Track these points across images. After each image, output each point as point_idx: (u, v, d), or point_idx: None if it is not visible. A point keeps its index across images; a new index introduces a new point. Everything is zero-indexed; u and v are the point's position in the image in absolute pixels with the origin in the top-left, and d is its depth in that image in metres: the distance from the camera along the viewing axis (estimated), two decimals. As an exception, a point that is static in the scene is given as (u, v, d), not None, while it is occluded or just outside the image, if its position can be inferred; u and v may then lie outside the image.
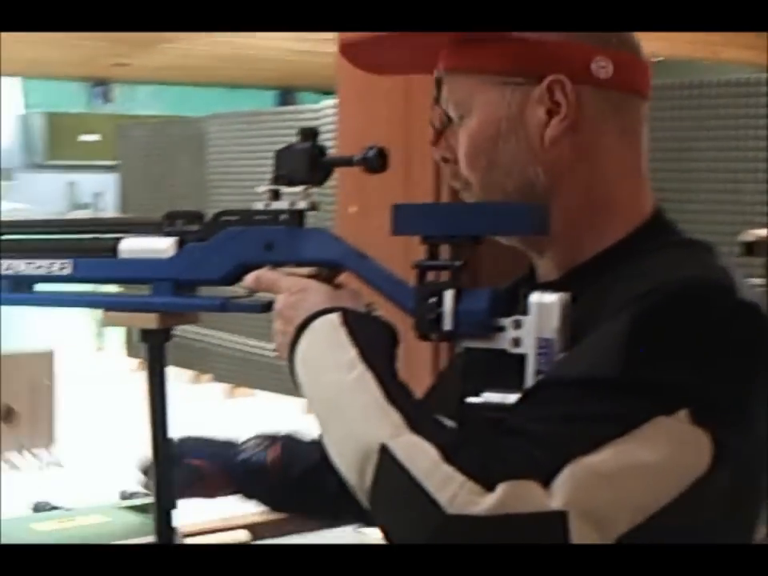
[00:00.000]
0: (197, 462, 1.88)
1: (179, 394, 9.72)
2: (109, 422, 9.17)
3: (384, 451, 1.31)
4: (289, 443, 1.90)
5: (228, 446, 1.92)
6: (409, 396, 1.40)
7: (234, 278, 1.66)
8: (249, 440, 1.90)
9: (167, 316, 1.74)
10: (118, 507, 2.21)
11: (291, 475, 1.86)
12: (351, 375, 1.39)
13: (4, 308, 1.90)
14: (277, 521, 2.34)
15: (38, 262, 1.81)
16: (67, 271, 1.79)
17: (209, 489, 1.90)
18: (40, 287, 1.82)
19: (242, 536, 2.36)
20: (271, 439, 1.91)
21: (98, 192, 13.05)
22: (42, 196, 12.70)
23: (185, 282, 1.71)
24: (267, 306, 1.62)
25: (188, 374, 10.96)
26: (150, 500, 1.88)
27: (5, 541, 1.87)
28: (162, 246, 1.71)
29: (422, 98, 2.19)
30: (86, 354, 12.90)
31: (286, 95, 12.89)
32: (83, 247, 1.81)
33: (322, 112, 8.79)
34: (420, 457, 1.28)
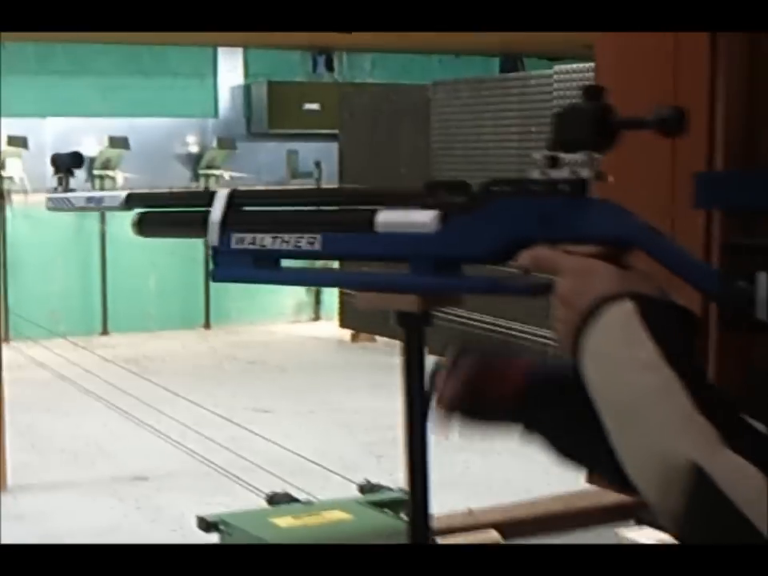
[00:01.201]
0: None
1: (396, 363, 9.71)
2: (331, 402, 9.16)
3: (698, 473, 1.13)
4: None
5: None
6: (722, 402, 1.20)
7: (505, 255, 1.47)
8: None
9: (428, 298, 1.56)
10: (359, 502, 2.04)
11: None
12: (653, 378, 1.21)
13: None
14: (527, 520, 2.15)
15: (284, 236, 1.65)
16: (315, 247, 1.63)
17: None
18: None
19: (491, 536, 2.18)
20: None
21: (318, 161, 13.07)
22: (262, 165, 12.81)
23: (448, 260, 1.52)
24: (543, 289, 1.43)
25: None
26: (393, 495, 1.70)
27: (245, 538, 1.72)
28: (424, 219, 1.53)
29: (691, 57, 1.96)
30: (302, 323, 13.02)
31: (509, 62, 12.64)
32: (334, 220, 1.64)
33: (554, 77, 8.53)
34: (743, 483, 1.11)
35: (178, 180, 12.32)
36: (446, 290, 1.56)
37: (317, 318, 13.23)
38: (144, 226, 1.86)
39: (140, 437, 7.71)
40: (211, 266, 1.73)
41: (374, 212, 1.58)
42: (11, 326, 10.52)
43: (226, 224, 1.71)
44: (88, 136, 12.05)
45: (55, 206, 2.01)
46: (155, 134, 12.46)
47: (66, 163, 2.01)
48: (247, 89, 13.08)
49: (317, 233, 1.62)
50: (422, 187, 1.56)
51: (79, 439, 7.88)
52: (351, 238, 1.59)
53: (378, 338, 11.40)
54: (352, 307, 11.97)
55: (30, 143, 11.55)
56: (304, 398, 9.19)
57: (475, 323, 9.05)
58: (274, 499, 2.14)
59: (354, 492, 2.46)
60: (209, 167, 12.64)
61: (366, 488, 2.13)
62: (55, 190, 2.03)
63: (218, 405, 8.52)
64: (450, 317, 8.21)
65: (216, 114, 13.03)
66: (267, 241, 1.67)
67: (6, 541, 5.83)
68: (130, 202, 1.89)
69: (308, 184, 12.85)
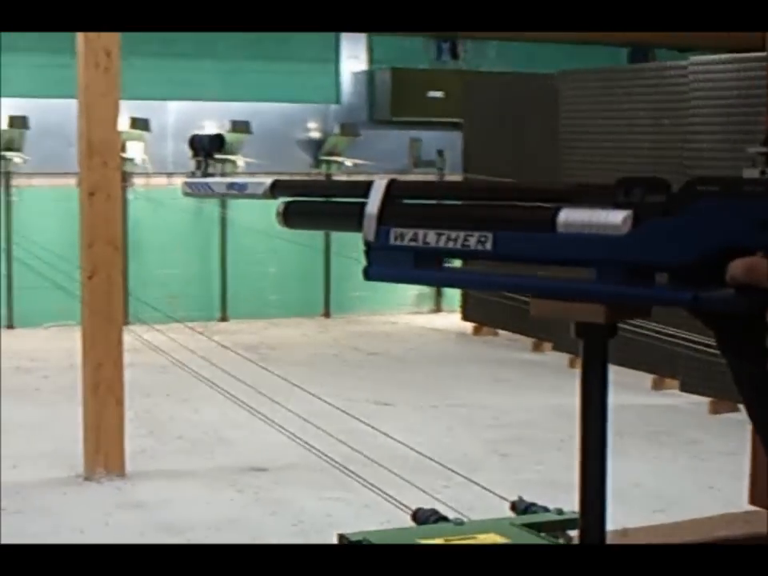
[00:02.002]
0: None
1: (520, 358, 9.46)
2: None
3: None
4: None
5: None
6: None
7: (709, 264, 1.28)
8: None
9: (616, 308, 1.38)
10: (514, 524, 1.87)
11: None
12: None
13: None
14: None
15: (451, 234, 1.48)
16: (486, 247, 1.45)
17: None
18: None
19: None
20: None
21: (441, 149, 12.90)
22: (384, 153, 12.67)
23: (639, 266, 1.34)
24: (760, 306, 1.24)
25: (528, 341, 10.68)
26: (549, 516, 1.52)
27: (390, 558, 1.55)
28: (614, 220, 1.34)
29: None
30: (423, 314, 12.89)
31: (639, 51, 12.34)
32: (511, 217, 1.46)
33: (690, 69, 8.25)
34: None
35: (299, 166, 12.25)
36: (637, 300, 1.38)
37: (438, 309, 13.07)
38: (290, 217, 1.71)
39: (259, 427, 7.61)
40: (364, 263, 1.57)
41: (556, 210, 1.41)
42: (130, 310, 10.53)
43: (383, 218, 1.55)
44: (209, 120, 12.02)
45: (193, 191, 1.85)
46: (277, 119, 12.40)
47: (206, 146, 1.87)
48: (371, 75, 12.95)
49: (489, 231, 1.45)
50: (613, 184, 1.38)
51: (198, 427, 7.82)
52: (528, 238, 1.42)
53: (500, 331, 11.21)
54: (475, 300, 11.91)
55: (152, 126, 11.55)
56: (425, 392, 9.03)
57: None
58: (419, 516, 1.96)
59: (485, 497, 2.30)
60: (330, 153, 12.53)
61: (520, 506, 1.95)
62: (193, 174, 1.88)
63: (338, 396, 8.41)
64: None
65: (338, 100, 12.92)
66: (431, 238, 1.50)
67: (124, 528, 5.79)
68: (276, 189, 1.73)
69: (430, 173, 12.71)
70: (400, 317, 12.57)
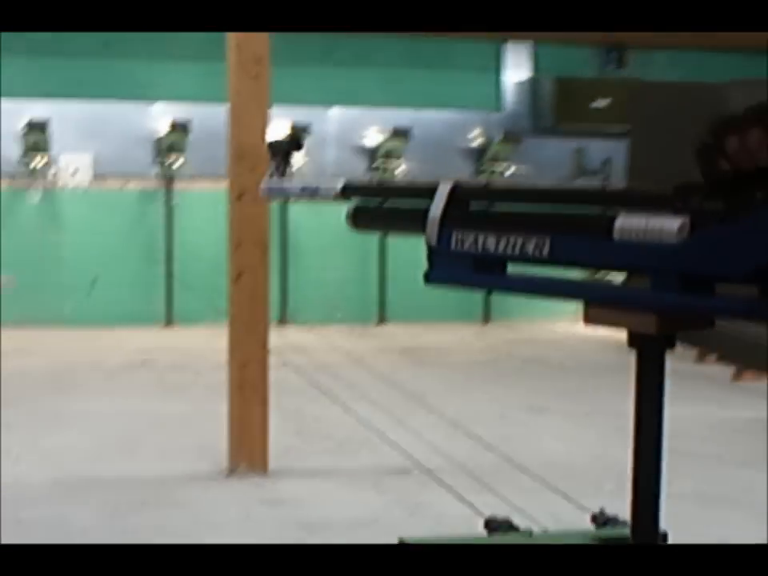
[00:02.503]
0: None
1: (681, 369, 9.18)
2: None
3: None
4: None
5: None
6: None
7: (770, 274, 1.24)
8: None
9: (670, 319, 1.34)
10: (589, 537, 1.82)
11: None
12: None
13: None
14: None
15: (510, 239, 1.46)
16: (543, 252, 1.43)
17: None
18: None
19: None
20: None
21: (606, 159, 12.74)
22: (547, 161, 12.58)
23: (696, 276, 1.30)
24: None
25: (692, 353, 10.45)
26: (626, 532, 1.49)
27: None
28: (669, 226, 1.31)
29: None
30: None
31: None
32: (567, 223, 1.44)
33: None
34: None
35: (460, 174, 12.23)
36: (692, 310, 1.34)
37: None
38: (358, 220, 1.71)
39: (407, 428, 7.64)
40: (426, 266, 1.57)
41: (613, 216, 1.38)
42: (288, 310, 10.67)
43: (446, 221, 1.54)
44: (370, 126, 12.10)
45: (270, 193, 1.88)
46: (438, 127, 12.41)
47: (283, 148, 1.88)
48: (534, 83, 12.87)
49: (546, 236, 1.43)
50: (672, 189, 1.34)
51: (346, 427, 7.86)
52: (585, 244, 1.39)
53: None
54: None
55: (313, 131, 11.68)
56: (580, 400, 8.93)
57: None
58: (491, 525, 1.94)
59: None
60: (492, 161, 12.49)
61: (600, 519, 1.90)
62: (271, 176, 1.90)
63: (492, 402, 8.38)
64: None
65: (500, 108, 12.87)
66: (491, 243, 1.49)
67: (263, 525, 5.85)
68: (347, 192, 1.74)
69: (594, 182, 12.56)
70: (561, 325, 12.44)
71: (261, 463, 6.74)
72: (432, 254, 1.56)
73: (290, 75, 11.82)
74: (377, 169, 12.00)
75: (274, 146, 1.93)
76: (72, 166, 11.40)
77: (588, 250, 1.39)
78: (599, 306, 1.40)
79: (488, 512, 6.10)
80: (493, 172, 12.42)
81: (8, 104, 11.21)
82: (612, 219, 1.38)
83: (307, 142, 11.68)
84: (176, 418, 7.92)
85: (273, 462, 6.81)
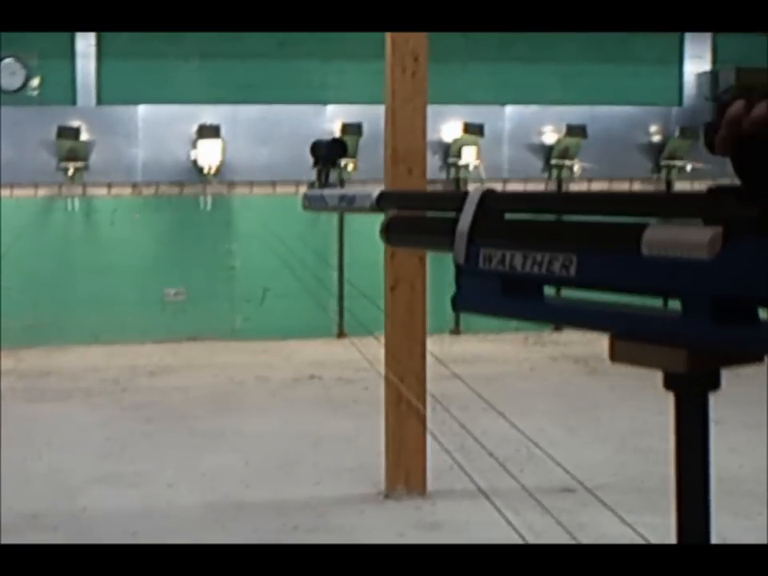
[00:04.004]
0: None
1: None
2: None
3: None
4: None
5: None
6: None
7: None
8: None
9: (703, 355, 1.03)
10: None
11: None
12: None
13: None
14: None
15: (537, 256, 1.17)
16: (570, 272, 1.14)
17: None
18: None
19: None
20: None
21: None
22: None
23: (731, 299, 0.99)
24: None
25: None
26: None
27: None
28: (698, 238, 1.00)
29: None
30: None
31: None
32: (593, 236, 1.14)
33: None
34: None
35: (638, 171, 11.82)
36: (725, 343, 1.02)
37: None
38: (391, 234, 1.44)
39: (575, 443, 7.31)
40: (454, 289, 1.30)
41: (642, 227, 1.07)
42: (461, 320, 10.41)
43: (474, 235, 1.26)
44: (546, 124, 11.78)
45: (310, 204, 1.63)
46: (615, 123, 11.99)
47: (324, 152, 1.62)
48: (714, 75, 12.33)
49: (573, 252, 1.14)
50: (705, 192, 1.04)
51: (510, 443, 7.55)
52: (611, 260, 1.10)
53: None
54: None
55: (487, 131, 11.42)
56: (754, 410, 8.42)
57: None
58: None
59: None
60: (670, 158, 12.01)
61: None
62: (312, 185, 1.64)
63: (663, 412, 7.95)
64: None
65: (680, 102, 12.37)
66: (518, 260, 1.20)
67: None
68: (382, 202, 1.47)
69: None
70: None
71: (419, 484, 6.49)
72: (460, 274, 1.28)
73: (464, 72, 11.59)
74: (553, 167, 11.67)
75: (317, 151, 1.68)
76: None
77: (614, 267, 1.10)
78: (624, 338, 1.10)
79: (653, 532, 5.76)
80: (671, 169, 11.95)
81: (181, 109, 11.23)
82: (641, 230, 1.07)
83: (481, 142, 11.53)
84: (337, 437, 7.72)
85: (432, 483, 6.56)
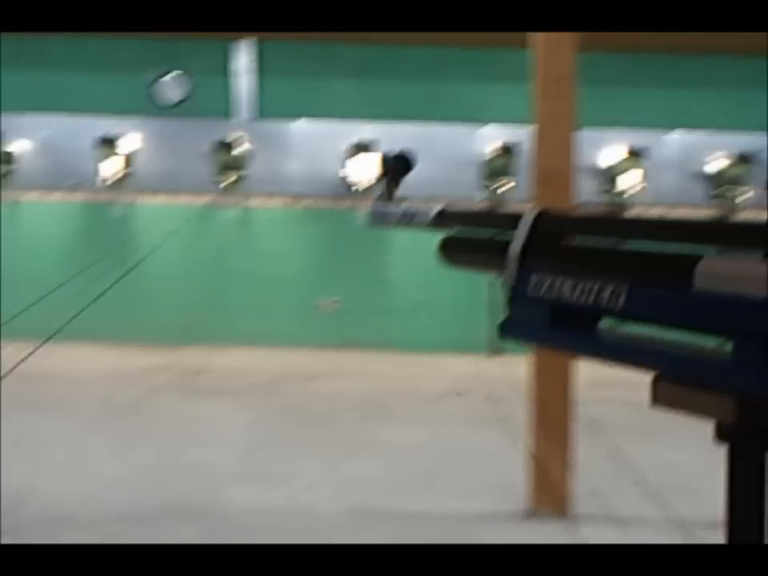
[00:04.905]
0: None
1: None
2: None
3: None
4: None
5: None
6: None
7: None
8: None
9: (755, 405, 0.95)
10: None
11: None
12: None
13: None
14: None
15: (586, 284, 1.10)
16: (618, 302, 1.06)
17: None
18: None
19: None
20: None
21: None
22: None
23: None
24: None
25: None
26: None
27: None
28: (755, 273, 0.92)
29: None
30: None
31: None
32: (644, 266, 1.06)
33: None
34: None
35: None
36: (776, 395, 0.93)
37: None
38: (447, 253, 1.39)
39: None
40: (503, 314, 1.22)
41: (697, 258, 0.99)
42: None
43: (525, 259, 1.19)
44: (713, 151, 11.49)
45: (374, 219, 1.57)
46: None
47: (390, 166, 1.56)
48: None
49: (623, 281, 1.06)
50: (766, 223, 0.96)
51: (664, 472, 7.35)
52: (660, 291, 1.02)
53: None
54: None
55: (650, 156, 11.21)
56: None
57: None
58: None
59: None
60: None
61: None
62: (377, 199, 1.58)
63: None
64: None
65: None
66: (566, 288, 1.13)
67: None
68: (441, 219, 1.42)
69: None
70: None
71: (562, 506, 6.36)
72: (510, 298, 1.21)
73: (628, 97, 11.41)
74: (718, 197, 11.36)
75: (385, 164, 1.62)
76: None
77: (664, 301, 1.01)
78: (670, 380, 1.01)
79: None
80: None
81: (336, 125, 11.31)
82: (695, 261, 0.99)
83: (645, 167, 11.31)
84: (482, 453, 7.64)
85: (577, 506, 6.42)
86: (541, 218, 1.22)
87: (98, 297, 6.80)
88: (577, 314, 1.14)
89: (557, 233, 1.22)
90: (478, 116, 11.38)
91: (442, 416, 8.81)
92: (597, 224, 1.22)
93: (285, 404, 8.96)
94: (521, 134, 10.93)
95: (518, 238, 1.22)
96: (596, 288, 1.09)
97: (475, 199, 11.15)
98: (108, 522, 5.95)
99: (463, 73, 11.38)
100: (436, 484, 6.91)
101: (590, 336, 1.15)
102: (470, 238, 1.41)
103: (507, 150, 11.07)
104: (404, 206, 1.63)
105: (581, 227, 1.24)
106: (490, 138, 11.29)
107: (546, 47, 6.18)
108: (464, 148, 11.20)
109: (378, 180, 1.67)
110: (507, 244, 1.24)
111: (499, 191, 11.13)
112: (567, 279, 1.13)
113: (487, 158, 11.23)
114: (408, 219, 1.56)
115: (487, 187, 11.22)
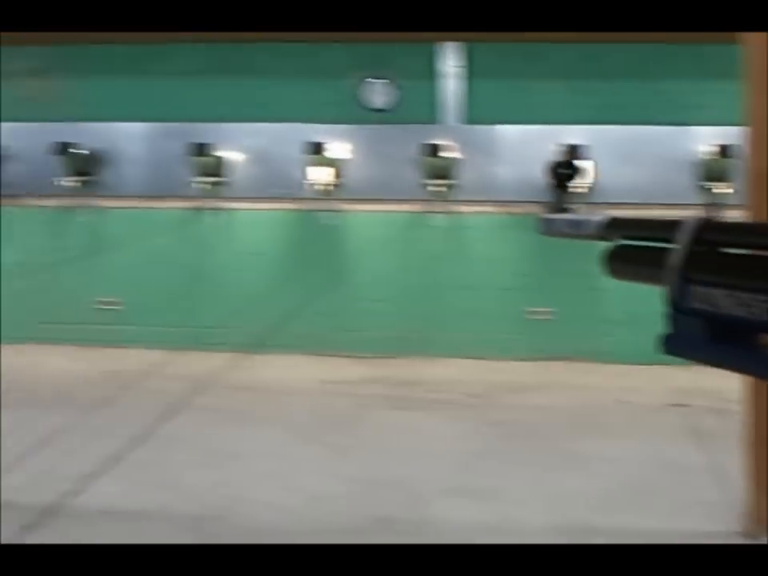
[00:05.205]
0: None
1: None
2: None
3: None
4: None
5: None
6: None
7: None
8: None
9: None
10: None
11: None
12: None
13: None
14: None
15: (742, 296, 0.97)
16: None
17: None
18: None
19: None
20: None
21: None
22: None
23: None
24: None
25: None
26: None
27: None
28: None
29: None
30: None
31: None
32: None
33: None
34: None
35: None
36: None
37: None
38: (611, 264, 1.27)
39: None
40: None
41: None
42: None
43: (685, 270, 1.07)
44: None
45: (546, 228, 1.47)
46: None
47: (558, 174, 1.45)
48: None
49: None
50: None
51: None
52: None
53: None
54: None
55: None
56: None
57: None
58: None
59: None
60: None
61: None
62: (549, 208, 1.47)
63: None
64: None
65: None
66: (725, 300, 1.00)
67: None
68: (611, 229, 1.30)
69: None
70: None
71: (776, 527, 6.06)
72: (671, 311, 1.09)
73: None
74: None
75: (553, 173, 1.51)
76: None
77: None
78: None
79: None
80: None
81: (543, 129, 11.08)
82: None
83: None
84: (698, 469, 7.36)
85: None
86: (702, 228, 1.10)
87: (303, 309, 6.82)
88: (737, 327, 1.02)
89: (717, 243, 1.09)
90: (692, 116, 11.01)
91: (657, 429, 8.55)
92: (761, 233, 1.09)
93: (495, 416, 8.84)
94: (735, 135, 10.56)
95: (677, 248, 1.10)
96: (753, 301, 0.97)
97: (691, 204, 10.77)
98: (314, 534, 5.95)
99: (670, 72, 11.02)
100: (648, 501, 6.69)
101: (756, 352, 1.02)
102: (634, 247, 1.30)
103: (724, 152, 10.65)
104: (572, 215, 1.52)
105: (744, 237, 1.11)
106: (706, 139, 10.89)
107: (758, 42, 5.88)
108: (678, 150, 10.84)
109: (552, 188, 1.57)
110: (667, 255, 1.12)
111: (716, 195, 10.73)
112: (726, 291, 1.01)
113: (703, 160, 10.79)
114: (576, 228, 1.45)
115: (704, 191, 10.81)
